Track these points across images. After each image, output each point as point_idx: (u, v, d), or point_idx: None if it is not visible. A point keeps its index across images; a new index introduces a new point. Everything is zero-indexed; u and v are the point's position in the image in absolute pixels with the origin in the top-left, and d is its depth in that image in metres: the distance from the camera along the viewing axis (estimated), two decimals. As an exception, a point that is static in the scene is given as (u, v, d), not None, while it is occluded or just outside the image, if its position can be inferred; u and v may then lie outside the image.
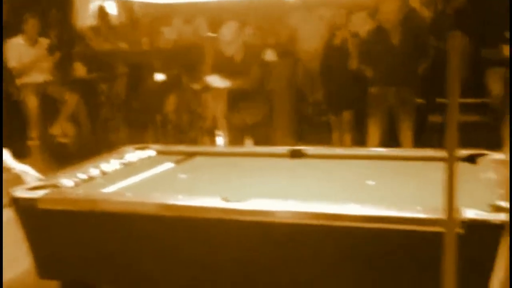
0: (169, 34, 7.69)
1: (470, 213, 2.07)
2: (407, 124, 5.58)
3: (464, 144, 3.24)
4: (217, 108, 4.71)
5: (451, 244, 1.30)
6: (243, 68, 5.53)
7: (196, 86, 6.31)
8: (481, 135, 6.64)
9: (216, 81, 5.53)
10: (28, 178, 2.98)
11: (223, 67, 5.62)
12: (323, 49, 6.25)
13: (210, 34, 5.30)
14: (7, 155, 3.05)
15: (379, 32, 5.61)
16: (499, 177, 2.55)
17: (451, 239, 1.29)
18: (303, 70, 7.00)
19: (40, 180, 2.95)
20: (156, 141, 4.32)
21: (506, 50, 5.69)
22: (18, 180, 2.96)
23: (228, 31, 5.57)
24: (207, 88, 5.56)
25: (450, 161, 1.36)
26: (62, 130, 7.09)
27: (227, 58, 5.62)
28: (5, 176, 3.06)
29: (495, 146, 3.38)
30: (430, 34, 6.24)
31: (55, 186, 2.79)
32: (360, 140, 5.90)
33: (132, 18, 9.29)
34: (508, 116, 5.82)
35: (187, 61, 6.91)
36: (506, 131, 5.18)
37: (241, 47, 5.63)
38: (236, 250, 2.33)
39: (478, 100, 7.33)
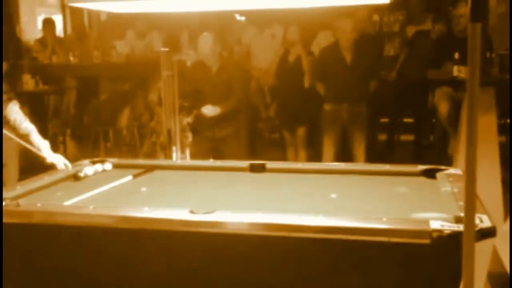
0: (121, 48, 7.58)
1: (435, 224, 2.12)
2: (360, 140, 5.68)
3: (415, 161, 3.35)
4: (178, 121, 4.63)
5: (470, 250, 1.31)
6: (226, 83, 5.42)
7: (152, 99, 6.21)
8: (430, 153, 6.86)
9: (210, 110, 5.42)
10: (59, 167, 3.35)
11: (204, 83, 5.49)
12: (277, 66, 6.29)
13: (163, 48, 5.23)
14: (45, 145, 3.45)
15: (334, 49, 5.71)
16: (457, 191, 2.64)
17: (470, 246, 1.31)
18: (256, 86, 7.02)
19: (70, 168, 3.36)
20: (109, 156, 4.22)
21: (455, 70, 5.89)
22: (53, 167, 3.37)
23: (206, 43, 5.44)
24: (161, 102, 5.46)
25: (470, 172, 1.37)
26: (9, 144, 6.84)
27: (206, 71, 5.51)
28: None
29: (443, 163, 3.47)
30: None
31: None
32: (314, 156, 5.95)
33: (80, 31, 9.12)
34: (455, 135, 6.01)
35: (140, 76, 6.82)
36: (455, 149, 5.33)
37: (217, 60, 5.52)
38: (203, 263, 2.30)
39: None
